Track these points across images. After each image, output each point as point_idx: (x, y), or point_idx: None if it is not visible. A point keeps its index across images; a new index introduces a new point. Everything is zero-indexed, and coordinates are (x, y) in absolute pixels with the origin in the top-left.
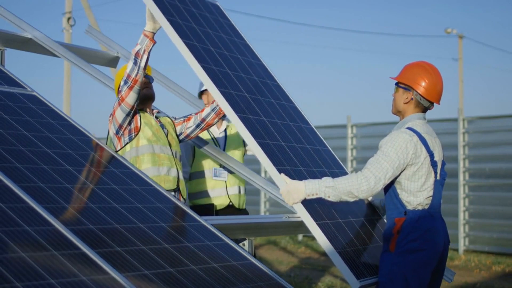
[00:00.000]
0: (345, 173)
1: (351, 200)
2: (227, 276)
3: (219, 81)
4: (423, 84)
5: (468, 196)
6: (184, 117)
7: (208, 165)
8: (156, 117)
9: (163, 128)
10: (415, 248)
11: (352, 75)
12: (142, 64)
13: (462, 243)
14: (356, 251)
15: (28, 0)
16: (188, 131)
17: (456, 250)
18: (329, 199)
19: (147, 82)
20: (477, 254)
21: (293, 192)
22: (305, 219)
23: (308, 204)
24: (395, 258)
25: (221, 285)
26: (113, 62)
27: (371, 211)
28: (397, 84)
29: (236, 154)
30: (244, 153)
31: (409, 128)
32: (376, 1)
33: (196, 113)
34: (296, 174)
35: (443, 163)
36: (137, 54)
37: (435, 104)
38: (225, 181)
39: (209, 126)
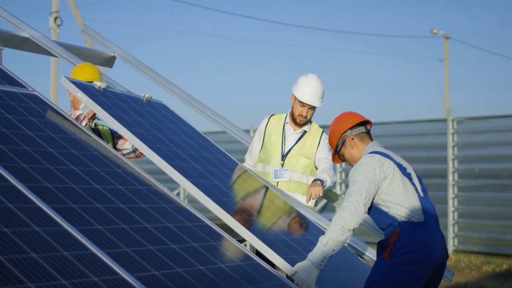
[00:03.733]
0: None
1: (349, 234)
2: (234, 277)
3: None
4: (343, 123)
5: (457, 197)
6: None
7: (273, 162)
8: (95, 124)
9: (101, 137)
10: (410, 260)
11: (342, 74)
12: None
13: (452, 244)
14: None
15: (14, 0)
16: (124, 152)
17: None
18: (334, 252)
19: None
20: (467, 254)
21: (305, 277)
22: None
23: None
24: (388, 267)
25: (229, 286)
26: (109, 61)
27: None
28: (337, 152)
29: (300, 161)
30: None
31: (370, 153)
32: (361, 2)
33: None
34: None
35: (419, 178)
36: (77, 118)
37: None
38: (287, 183)
39: (142, 154)
